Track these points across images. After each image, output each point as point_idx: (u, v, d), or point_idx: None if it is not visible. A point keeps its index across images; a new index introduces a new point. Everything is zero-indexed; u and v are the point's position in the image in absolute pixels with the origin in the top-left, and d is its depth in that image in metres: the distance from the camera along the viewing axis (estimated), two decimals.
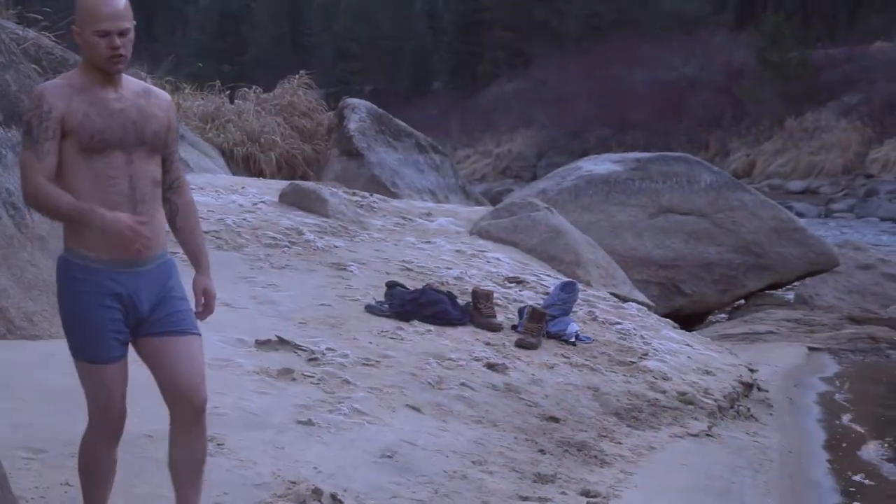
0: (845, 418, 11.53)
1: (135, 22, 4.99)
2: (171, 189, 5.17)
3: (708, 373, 10.82)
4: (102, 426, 5.06)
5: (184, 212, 5.26)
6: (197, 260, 5.24)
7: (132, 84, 5.10)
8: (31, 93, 5.03)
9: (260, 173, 21.51)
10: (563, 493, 7.17)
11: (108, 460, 5.14)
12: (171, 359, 5.06)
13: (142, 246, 4.83)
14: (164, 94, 5.22)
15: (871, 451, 10.30)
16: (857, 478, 9.38)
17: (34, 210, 5.25)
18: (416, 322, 9.96)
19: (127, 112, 4.94)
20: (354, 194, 16.04)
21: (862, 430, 11.02)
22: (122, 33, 4.88)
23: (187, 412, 5.10)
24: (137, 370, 7.50)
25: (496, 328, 10.38)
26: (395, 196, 19.28)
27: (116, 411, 5.06)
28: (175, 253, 5.21)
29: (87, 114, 4.86)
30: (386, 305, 10.14)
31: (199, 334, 5.16)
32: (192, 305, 5.17)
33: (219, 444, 6.58)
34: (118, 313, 4.93)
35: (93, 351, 4.92)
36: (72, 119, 4.85)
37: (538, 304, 10.89)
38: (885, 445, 10.45)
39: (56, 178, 4.88)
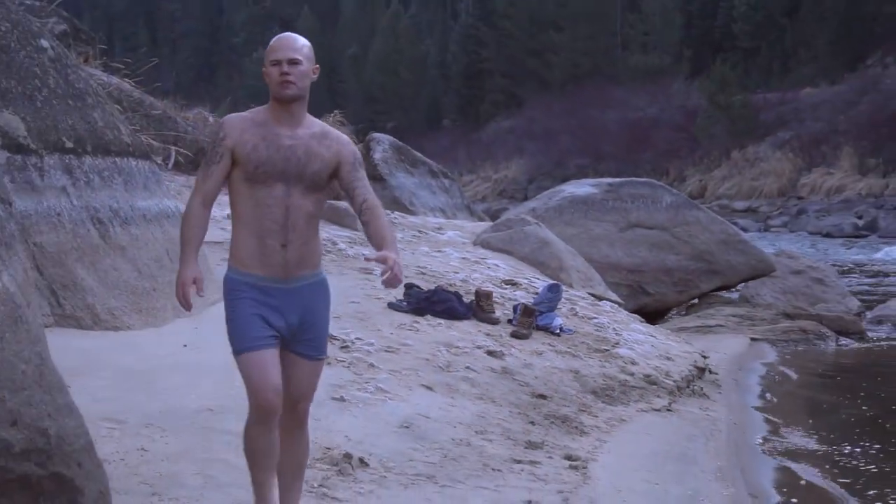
0: (780, 396, 11.51)
1: (317, 66, 4.91)
2: (362, 212, 4.89)
3: (668, 359, 10.81)
4: (255, 410, 4.82)
5: (374, 219, 4.88)
6: (383, 239, 4.79)
7: (312, 126, 4.94)
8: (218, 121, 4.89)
9: None
10: (549, 457, 7.15)
11: (265, 443, 4.86)
12: (296, 375, 4.92)
13: (182, 305, 4.80)
14: (342, 139, 5.00)
15: (799, 421, 10.29)
16: (787, 443, 9.36)
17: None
18: (429, 316, 9.95)
19: (294, 149, 4.78)
20: None
21: (792, 406, 11.01)
22: (291, 62, 4.78)
23: (293, 421, 4.98)
24: (196, 354, 7.52)
25: (495, 322, 10.37)
26: (412, 213, 19.27)
27: (267, 396, 4.78)
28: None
29: (255, 146, 4.75)
30: (405, 303, 10.12)
31: (324, 358, 5.06)
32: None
33: None
34: (268, 315, 4.78)
35: (241, 342, 4.77)
36: (241, 149, 4.76)
37: (529, 303, 10.89)
38: (810, 418, 10.44)
39: (231, 202, 4.84)
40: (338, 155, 4.90)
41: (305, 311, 4.86)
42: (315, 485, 5.74)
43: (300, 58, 4.81)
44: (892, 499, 7.72)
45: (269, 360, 4.79)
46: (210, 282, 9.21)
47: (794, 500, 7.68)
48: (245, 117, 4.88)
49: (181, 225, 4.88)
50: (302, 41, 4.90)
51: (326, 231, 12.78)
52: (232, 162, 4.79)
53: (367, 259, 5.23)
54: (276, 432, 4.89)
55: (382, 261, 4.71)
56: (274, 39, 4.95)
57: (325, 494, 5.67)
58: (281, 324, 4.80)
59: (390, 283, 4.74)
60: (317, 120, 4.99)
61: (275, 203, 4.74)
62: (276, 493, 4.95)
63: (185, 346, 7.70)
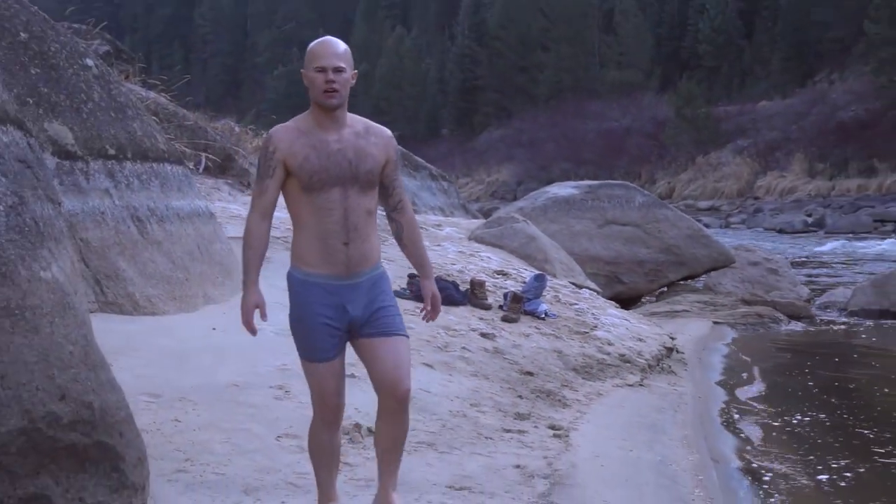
0: (738, 373, 11.51)
1: (356, 71, 4.53)
2: (395, 210, 4.69)
3: (640, 340, 10.81)
4: (321, 414, 4.58)
5: (407, 228, 4.72)
6: (422, 268, 4.75)
7: (355, 123, 4.58)
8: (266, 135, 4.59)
9: None
10: (535, 426, 7.14)
11: (329, 444, 4.62)
12: (380, 357, 4.53)
13: (248, 330, 4.53)
14: (384, 132, 4.64)
15: (755, 394, 10.30)
16: (745, 414, 9.36)
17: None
18: None
19: (344, 152, 4.44)
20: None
21: (749, 381, 11.01)
22: (336, 70, 4.41)
23: (391, 402, 4.56)
24: (223, 337, 7.50)
25: (487, 307, 10.37)
26: (414, 212, 19.23)
27: (330, 403, 4.56)
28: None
29: (307, 157, 4.40)
30: (408, 291, 10.10)
31: (406, 335, 4.65)
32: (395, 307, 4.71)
33: (286, 391, 6.56)
34: (332, 319, 4.47)
35: (310, 352, 4.51)
36: (293, 161, 4.41)
37: (518, 290, 10.88)
38: (765, 392, 10.45)
39: (288, 207, 4.53)
40: (385, 151, 4.58)
41: (370, 301, 4.55)
42: None
43: (344, 65, 4.45)
44: (834, 462, 7.72)
45: (336, 368, 4.56)
46: (231, 271, 9.21)
47: (752, 464, 7.68)
48: (290, 128, 4.53)
49: (243, 245, 4.57)
50: (343, 46, 4.54)
51: None
52: (285, 172, 4.46)
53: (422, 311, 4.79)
54: (338, 435, 4.69)
55: (434, 300, 4.69)
56: (317, 44, 4.55)
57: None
58: (346, 318, 4.50)
59: (430, 319, 4.69)
60: (356, 116, 4.63)
61: (334, 206, 4.42)
62: (335, 491, 4.75)
63: (214, 329, 7.69)
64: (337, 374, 4.57)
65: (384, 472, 4.70)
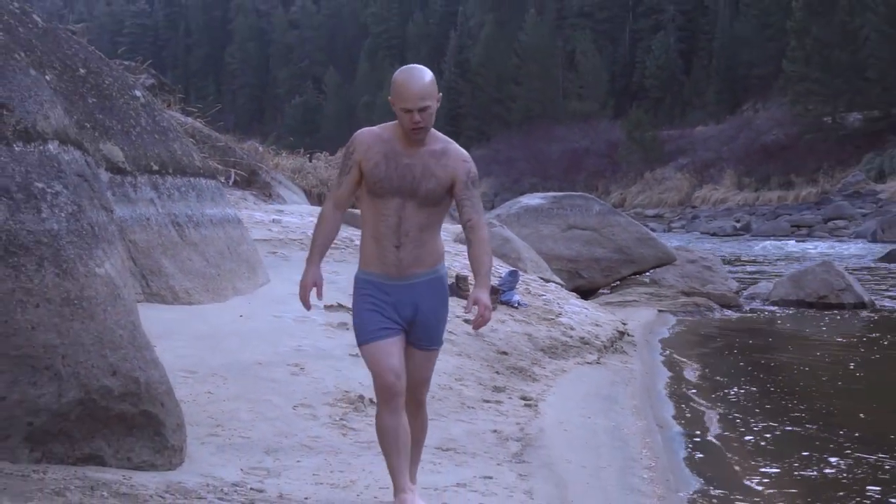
0: (678, 353, 11.53)
1: (440, 94, 4.03)
2: (465, 227, 4.19)
3: (597, 325, 10.81)
4: (378, 393, 4.11)
5: (475, 246, 4.17)
6: (477, 277, 4.18)
7: (436, 142, 4.15)
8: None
9: None
10: (509, 398, 7.14)
11: (391, 425, 4.08)
12: (412, 364, 4.20)
13: (304, 306, 4.21)
14: (459, 155, 4.16)
15: (692, 371, 10.30)
16: (684, 387, 9.38)
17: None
18: None
19: (412, 168, 4.05)
20: None
21: (688, 359, 11.03)
22: (422, 110, 3.97)
23: (412, 403, 4.29)
24: (249, 323, 7.49)
25: None
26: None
27: (385, 380, 4.06)
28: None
29: (377, 164, 4.05)
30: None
31: (437, 348, 4.30)
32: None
33: (301, 368, 6.55)
34: (385, 310, 4.11)
35: (361, 335, 4.13)
36: (365, 164, 4.07)
37: (495, 284, 10.87)
38: (701, 368, 10.46)
39: (360, 206, 4.22)
40: (453, 174, 4.12)
41: (418, 306, 4.16)
42: (337, 418, 5.72)
43: (429, 103, 4.00)
44: (757, 425, 7.75)
45: (386, 347, 4.09)
46: (255, 268, 9.19)
47: (690, 429, 7.69)
48: (374, 133, 4.14)
49: (315, 227, 4.26)
50: (427, 79, 4.02)
51: (345, 231, 12.74)
52: (360, 173, 4.12)
53: (465, 310, 4.21)
54: (403, 416, 4.12)
55: (475, 303, 4.11)
56: (403, 80, 4.02)
57: (345, 425, 5.66)
58: (396, 316, 4.14)
59: (478, 326, 4.16)
60: (441, 136, 4.19)
61: (389, 213, 4.05)
62: (406, 479, 4.19)
63: (241, 316, 7.68)
64: (391, 353, 4.09)
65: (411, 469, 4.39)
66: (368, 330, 4.11)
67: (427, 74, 4.04)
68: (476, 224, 4.18)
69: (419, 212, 4.09)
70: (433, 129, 4.13)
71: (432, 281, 4.21)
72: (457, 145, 4.22)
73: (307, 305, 4.24)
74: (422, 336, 4.22)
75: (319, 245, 4.21)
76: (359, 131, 4.19)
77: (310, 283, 4.20)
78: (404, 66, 4.12)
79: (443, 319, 4.29)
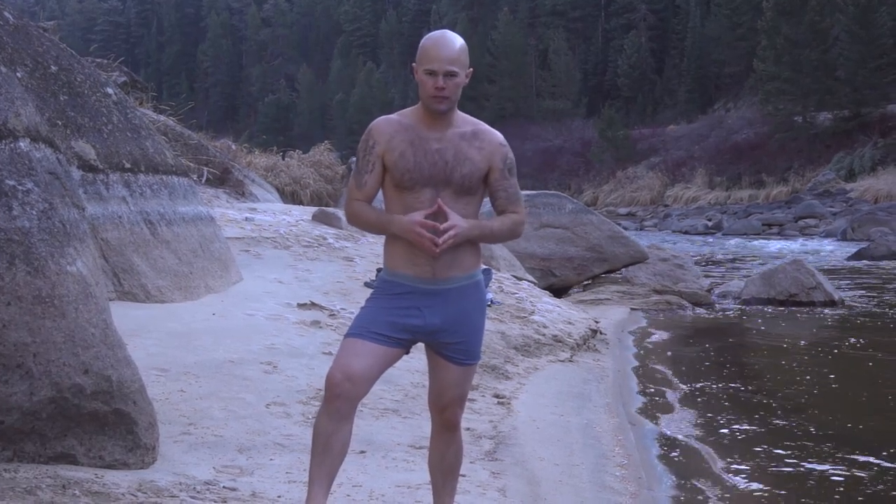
0: (651, 350, 11.58)
1: (471, 69, 3.59)
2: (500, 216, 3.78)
3: (570, 323, 10.84)
4: (324, 393, 3.58)
5: (500, 217, 3.78)
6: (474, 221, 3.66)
7: (464, 124, 3.67)
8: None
9: (300, 203, 21.43)
10: (483, 396, 7.15)
11: (324, 432, 3.55)
12: (443, 379, 3.78)
13: (430, 243, 3.52)
14: (494, 137, 3.71)
15: (663, 369, 10.34)
16: (656, 385, 9.42)
17: (353, 226, 3.92)
18: None
19: (443, 153, 3.57)
20: None
21: (660, 357, 11.08)
22: (448, 75, 3.50)
23: (440, 423, 3.85)
24: (221, 321, 7.46)
25: None
26: None
27: (331, 374, 3.55)
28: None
29: (403, 153, 3.56)
30: (376, 282, 10.07)
31: (475, 363, 3.80)
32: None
33: (274, 366, 6.53)
34: (398, 317, 3.63)
35: (350, 328, 3.65)
36: (390, 156, 3.58)
37: None
38: (673, 365, 10.52)
39: (385, 203, 3.70)
40: (490, 158, 3.67)
41: (451, 314, 3.66)
42: (310, 417, 5.71)
43: (457, 69, 3.53)
44: (726, 421, 7.80)
45: (359, 347, 3.57)
46: (228, 266, 9.17)
47: (662, 426, 7.73)
48: (393, 121, 3.65)
49: (362, 221, 3.69)
50: (459, 45, 3.56)
51: (319, 230, 12.72)
52: (384, 168, 3.63)
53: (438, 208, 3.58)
54: (341, 426, 3.56)
55: (450, 225, 3.56)
56: (430, 42, 3.55)
57: None
58: (418, 322, 3.64)
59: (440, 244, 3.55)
60: (468, 118, 3.72)
61: (423, 208, 3.56)
62: (320, 494, 3.58)
63: (214, 314, 7.66)
64: (356, 353, 3.57)
65: (436, 493, 3.92)
66: (357, 325, 3.64)
67: (459, 40, 3.58)
68: (510, 215, 3.80)
69: (455, 202, 3.60)
70: (460, 113, 3.69)
71: (469, 287, 3.72)
72: (489, 127, 3.76)
73: (429, 240, 3.55)
74: (457, 349, 3.73)
75: (378, 212, 3.68)
76: (375, 122, 3.72)
77: (414, 218, 3.56)
78: (435, 31, 3.69)
79: (480, 329, 3.78)
